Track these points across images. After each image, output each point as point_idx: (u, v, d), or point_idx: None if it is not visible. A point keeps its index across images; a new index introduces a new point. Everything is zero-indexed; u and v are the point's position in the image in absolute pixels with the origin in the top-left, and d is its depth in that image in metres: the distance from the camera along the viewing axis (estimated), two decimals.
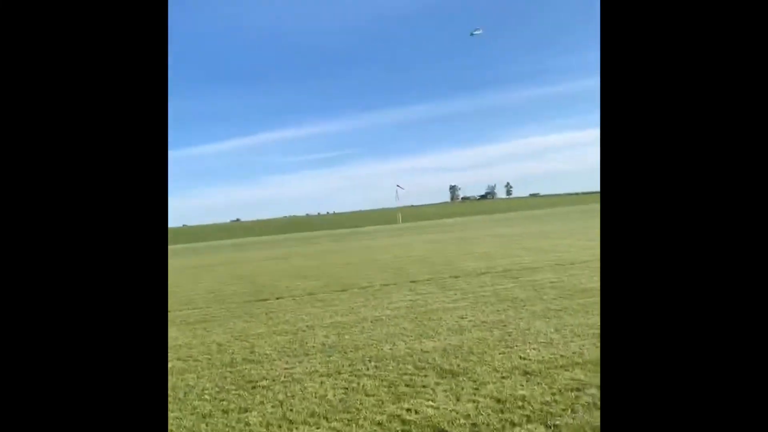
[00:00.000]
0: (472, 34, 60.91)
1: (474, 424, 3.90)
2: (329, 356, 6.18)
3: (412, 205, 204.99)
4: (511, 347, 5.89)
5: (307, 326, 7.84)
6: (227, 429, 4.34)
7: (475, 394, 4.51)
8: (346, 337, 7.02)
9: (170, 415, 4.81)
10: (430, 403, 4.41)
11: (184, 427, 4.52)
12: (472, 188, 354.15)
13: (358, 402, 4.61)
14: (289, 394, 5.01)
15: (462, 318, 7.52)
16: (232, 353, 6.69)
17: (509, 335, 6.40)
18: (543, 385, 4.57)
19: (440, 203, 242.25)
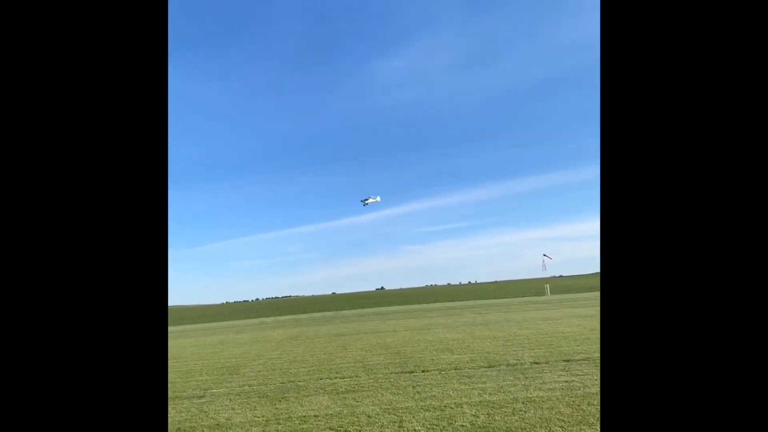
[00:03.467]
0: (364, 204, 50.93)
1: None
2: None
3: (561, 276, 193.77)
4: None
5: (455, 403, 7.63)
6: None
7: None
8: (497, 418, 6.69)
9: None
10: None
11: None
12: None
13: None
14: None
15: None
16: (381, 426, 6.71)
17: None
18: None
19: (593, 274, 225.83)
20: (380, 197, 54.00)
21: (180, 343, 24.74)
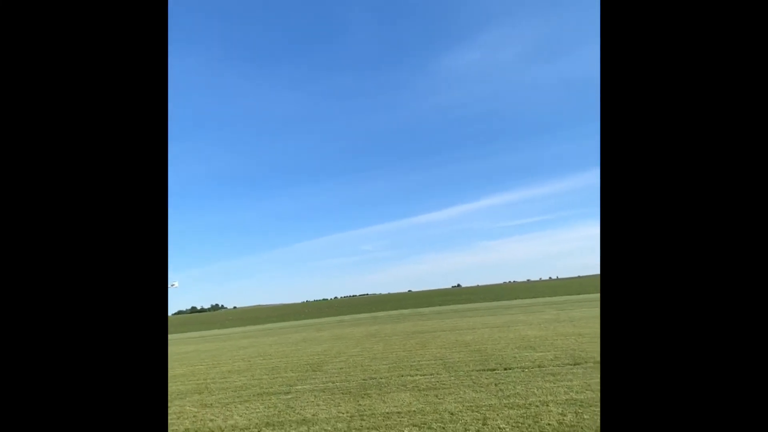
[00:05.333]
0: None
1: None
2: None
3: None
4: None
5: (540, 401, 7.41)
6: None
7: None
8: (586, 416, 6.43)
9: None
10: None
11: None
12: None
13: None
14: None
15: None
16: (465, 423, 6.64)
17: None
18: None
19: None
20: (177, 282, 45.62)
21: (265, 341, 25.78)
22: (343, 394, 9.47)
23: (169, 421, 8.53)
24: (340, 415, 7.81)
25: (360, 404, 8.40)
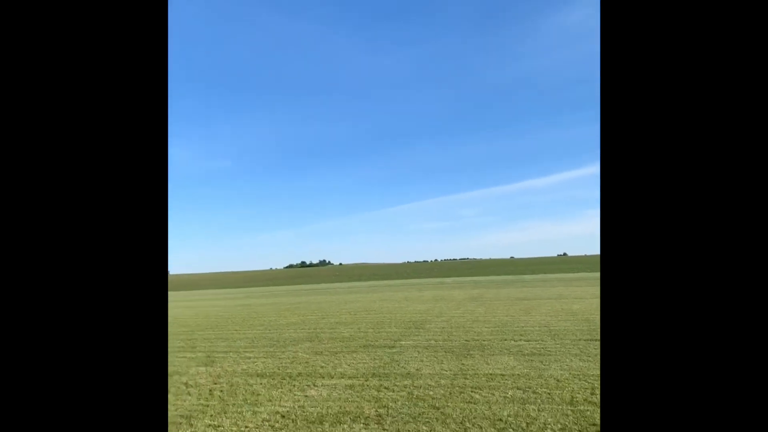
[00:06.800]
0: None
1: None
2: None
3: None
4: None
5: None
6: None
7: None
8: None
9: None
10: None
11: None
12: None
13: None
14: None
15: None
16: (572, 391, 6.52)
17: None
18: None
19: None
20: None
21: (369, 297, 26.81)
22: (445, 352, 9.66)
23: (283, 365, 9.25)
24: (444, 372, 8.00)
25: (463, 364, 8.53)
